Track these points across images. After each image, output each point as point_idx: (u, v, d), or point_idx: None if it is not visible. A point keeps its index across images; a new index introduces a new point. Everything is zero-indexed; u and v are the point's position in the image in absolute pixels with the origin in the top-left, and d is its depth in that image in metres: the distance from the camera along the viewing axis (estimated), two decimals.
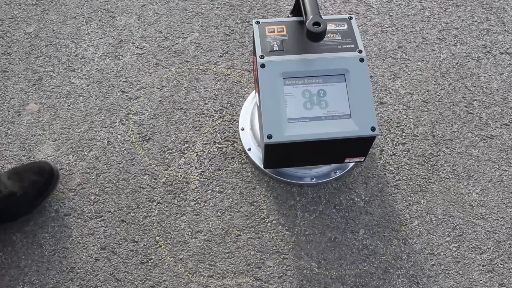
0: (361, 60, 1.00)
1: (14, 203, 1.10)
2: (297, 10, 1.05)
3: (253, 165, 1.23)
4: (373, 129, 0.98)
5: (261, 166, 1.19)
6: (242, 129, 1.27)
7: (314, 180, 1.19)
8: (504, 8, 1.55)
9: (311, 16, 0.94)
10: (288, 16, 1.11)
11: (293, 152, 1.04)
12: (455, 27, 1.50)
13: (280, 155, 1.06)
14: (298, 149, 1.02)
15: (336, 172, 1.20)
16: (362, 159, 1.10)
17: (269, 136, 0.96)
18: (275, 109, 0.97)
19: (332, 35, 1.03)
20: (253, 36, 1.04)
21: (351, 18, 1.06)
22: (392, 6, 1.55)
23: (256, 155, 1.22)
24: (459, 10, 1.54)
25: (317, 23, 0.93)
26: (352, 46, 1.02)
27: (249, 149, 1.23)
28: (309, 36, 0.94)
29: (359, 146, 1.03)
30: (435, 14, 1.53)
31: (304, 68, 1.00)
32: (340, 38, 1.03)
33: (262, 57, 1.00)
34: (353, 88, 0.99)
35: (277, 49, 1.01)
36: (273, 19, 1.07)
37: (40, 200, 1.14)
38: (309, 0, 0.97)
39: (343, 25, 1.05)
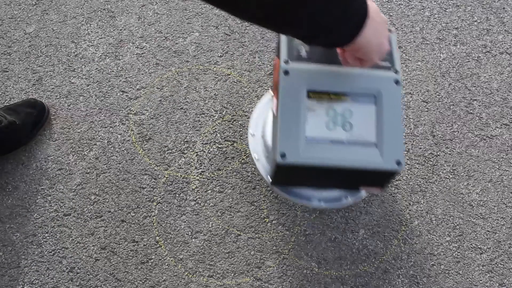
0: (396, 82, 0.90)
1: (15, 132, 1.21)
2: None
3: (258, 175, 1.17)
4: (398, 163, 0.87)
5: (268, 179, 1.10)
6: (253, 135, 1.17)
7: (322, 203, 1.10)
8: (504, 8, 1.55)
9: None
10: None
11: (306, 174, 0.95)
12: (455, 27, 1.50)
13: (292, 175, 0.97)
14: (312, 172, 0.93)
15: (348, 198, 1.10)
16: (379, 191, 1.02)
17: (283, 155, 0.85)
18: (293, 124, 0.86)
19: None
20: (279, 37, 0.94)
21: (390, 31, 0.94)
22: (392, 6, 1.55)
23: (264, 167, 1.13)
24: (459, 10, 1.54)
25: None
26: (389, 64, 0.91)
27: (257, 159, 1.14)
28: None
29: (380, 178, 0.94)
30: (435, 14, 1.53)
31: (332, 82, 0.89)
32: None
33: (286, 62, 0.89)
34: (382, 112, 0.88)
35: (305, 56, 0.90)
36: None
37: (36, 130, 1.26)
38: None
39: None
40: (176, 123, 1.31)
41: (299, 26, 0.62)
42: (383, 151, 0.87)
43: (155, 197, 1.20)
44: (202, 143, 1.27)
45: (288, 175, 0.97)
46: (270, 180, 1.05)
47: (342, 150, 0.87)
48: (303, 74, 0.88)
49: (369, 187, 1.00)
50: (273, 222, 1.17)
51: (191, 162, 1.25)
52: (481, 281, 1.11)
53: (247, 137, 1.28)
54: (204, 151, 1.26)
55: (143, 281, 1.10)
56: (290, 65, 0.88)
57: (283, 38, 0.92)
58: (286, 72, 0.88)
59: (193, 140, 1.28)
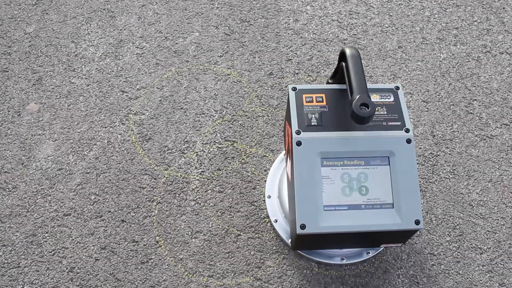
0: (408, 141, 0.90)
1: None
2: (339, 76, 0.94)
3: (278, 237, 1.15)
4: (417, 222, 0.87)
5: (288, 241, 1.11)
6: (269, 197, 1.17)
7: (344, 260, 1.10)
8: (504, 8, 1.55)
9: (358, 96, 0.83)
10: (328, 82, 1.00)
11: (326, 240, 0.97)
12: (455, 27, 1.50)
13: (312, 241, 0.98)
14: (332, 237, 0.94)
15: (369, 253, 1.11)
16: (400, 245, 1.04)
17: (303, 226, 0.86)
18: (310, 195, 0.88)
19: (377, 109, 0.92)
20: (288, 103, 0.94)
21: (397, 88, 0.95)
22: (392, 6, 1.55)
23: (282, 228, 1.13)
24: (459, 10, 1.54)
25: (365, 105, 0.82)
26: (399, 123, 0.91)
27: (275, 221, 1.14)
28: (354, 118, 0.83)
29: (399, 236, 0.95)
30: (435, 14, 1.53)
31: (345, 148, 0.89)
32: (385, 113, 0.93)
33: (298, 132, 0.89)
34: (397, 173, 0.89)
35: (315, 124, 0.90)
36: (312, 86, 0.96)
37: None
38: (356, 73, 0.86)
39: (389, 97, 0.94)
40: (176, 123, 1.31)
41: None
42: (401, 211, 0.88)
43: (155, 197, 1.20)
44: (202, 143, 1.27)
45: (309, 242, 0.98)
46: (290, 245, 1.08)
47: (360, 215, 0.88)
48: (316, 143, 0.89)
49: (390, 243, 1.02)
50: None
51: (191, 162, 1.25)
52: (481, 281, 1.11)
53: (247, 137, 1.29)
54: (204, 151, 1.26)
55: (143, 281, 1.10)
56: (302, 135, 0.89)
57: (293, 106, 0.92)
58: (299, 143, 0.89)
59: (193, 140, 1.28)
